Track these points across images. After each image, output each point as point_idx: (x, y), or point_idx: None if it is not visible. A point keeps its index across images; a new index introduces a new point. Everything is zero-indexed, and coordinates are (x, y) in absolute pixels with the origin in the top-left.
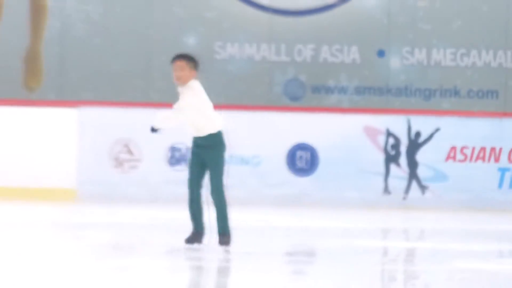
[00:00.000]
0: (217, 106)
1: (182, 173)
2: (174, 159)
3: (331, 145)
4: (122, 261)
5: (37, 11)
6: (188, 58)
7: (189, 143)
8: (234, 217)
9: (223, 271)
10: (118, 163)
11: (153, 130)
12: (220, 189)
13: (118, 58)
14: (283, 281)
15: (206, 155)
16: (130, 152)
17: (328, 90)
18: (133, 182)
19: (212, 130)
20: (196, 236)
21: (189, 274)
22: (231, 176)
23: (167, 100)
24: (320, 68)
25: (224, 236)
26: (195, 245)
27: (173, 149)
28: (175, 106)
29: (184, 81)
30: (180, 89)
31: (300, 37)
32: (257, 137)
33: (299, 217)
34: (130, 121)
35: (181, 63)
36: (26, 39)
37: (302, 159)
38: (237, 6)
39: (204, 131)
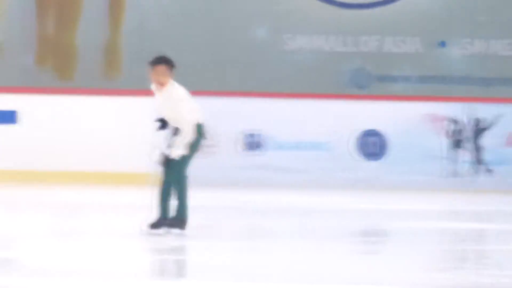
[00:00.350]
0: (289, 95)
1: (257, 158)
2: (249, 144)
3: (398, 131)
4: (203, 241)
5: (116, 5)
6: (167, 62)
7: (263, 130)
8: (308, 199)
9: (297, 251)
10: None
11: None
12: (179, 172)
13: (192, 50)
14: (356, 261)
15: None
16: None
17: (392, 79)
18: (211, 167)
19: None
20: (161, 221)
21: (261, 254)
22: (305, 160)
23: (240, 88)
24: (384, 58)
25: (181, 220)
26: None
27: (248, 135)
28: (183, 122)
29: (164, 86)
30: (159, 91)
31: (366, 29)
32: (327, 124)
33: (370, 199)
34: (206, 109)
35: (161, 68)
36: (106, 31)
37: (370, 144)
38: None
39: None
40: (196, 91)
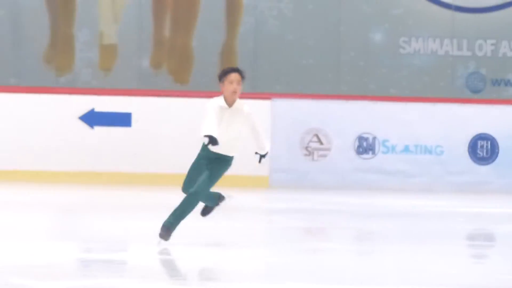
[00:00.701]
0: (402, 99)
1: (369, 161)
2: (361, 148)
3: (510, 135)
4: (312, 244)
5: (232, 8)
6: (242, 74)
7: (375, 133)
8: (418, 203)
9: (406, 254)
10: (309, 152)
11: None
12: (200, 193)
13: (308, 53)
14: (464, 264)
15: (213, 165)
16: (320, 141)
17: (508, 83)
18: (323, 170)
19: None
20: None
21: (373, 257)
22: (416, 164)
23: (355, 92)
24: (500, 62)
25: (166, 229)
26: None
27: (360, 138)
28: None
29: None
30: (231, 107)
31: (481, 33)
32: (440, 128)
33: (479, 203)
34: (320, 112)
35: (238, 77)
36: (222, 34)
37: (482, 148)
38: (422, 3)
39: (233, 152)
40: (311, 94)
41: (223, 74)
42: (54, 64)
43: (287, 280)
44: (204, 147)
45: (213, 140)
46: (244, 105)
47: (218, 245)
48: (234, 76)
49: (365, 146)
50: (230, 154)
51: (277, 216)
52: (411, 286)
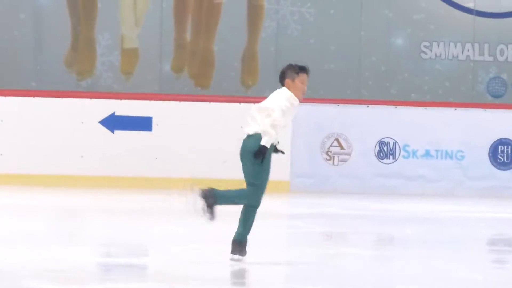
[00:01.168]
0: (423, 104)
1: (390, 166)
2: (382, 152)
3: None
4: (332, 249)
5: (254, 12)
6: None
7: (396, 138)
8: (439, 208)
9: (427, 259)
10: (329, 156)
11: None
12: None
13: (330, 57)
14: (484, 270)
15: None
16: (340, 146)
17: None
18: (343, 175)
19: None
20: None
21: (393, 262)
22: (437, 169)
23: (376, 97)
24: None
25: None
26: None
27: (381, 143)
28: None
29: None
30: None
31: (503, 38)
32: (461, 133)
33: (500, 208)
34: (341, 117)
35: (307, 78)
36: (244, 38)
37: (503, 153)
38: (443, 8)
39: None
40: (332, 99)
41: (297, 71)
42: (75, 68)
43: (308, 285)
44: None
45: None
46: None
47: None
48: (306, 77)
49: (385, 151)
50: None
51: (298, 221)
52: None
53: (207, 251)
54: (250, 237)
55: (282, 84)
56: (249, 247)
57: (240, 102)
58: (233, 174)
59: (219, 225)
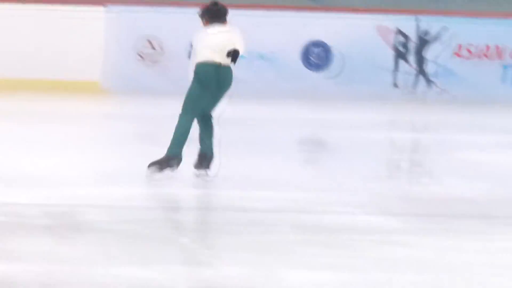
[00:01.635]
0: (236, 5)
1: None
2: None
3: (344, 43)
4: (144, 148)
5: None
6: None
7: None
8: (253, 109)
9: (238, 156)
10: (141, 57)
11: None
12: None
13: None
14: (294, 167)
15: None
16: (152, 47)
17: None
18: (156, 75)
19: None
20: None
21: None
22: (250, 70)
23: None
24: None
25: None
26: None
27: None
28: None
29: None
30: None
31: None
32: (273, 34)
33: (312, 109)
34: (154, 18)
35: None
36: None
37: (316, 55)
38: None
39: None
40: (145, 1)
41: None
42: None
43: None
44: None
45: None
46: None
47: (57, 149)
48: None
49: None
50: None
51: (112, 122)
52: (242, 190)
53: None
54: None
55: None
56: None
57: (55, 2)
58: (52, 73)
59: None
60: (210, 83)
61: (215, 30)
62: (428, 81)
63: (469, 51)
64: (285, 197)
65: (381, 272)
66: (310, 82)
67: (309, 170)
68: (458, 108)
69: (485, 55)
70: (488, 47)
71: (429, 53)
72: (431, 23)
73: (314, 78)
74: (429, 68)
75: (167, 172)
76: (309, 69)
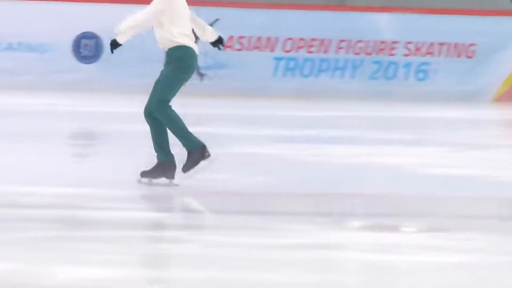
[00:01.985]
0: None
1: None
2: None
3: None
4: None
5: None
6: None
7: None
8: (24, 101)
9: (11, 152)
10: None
11: (115, 46)
12: (155, 105)
13: None
14: (64, 162)
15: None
16: None
17: None
18: None
19: (172, 44)
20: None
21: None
22: (21, 62)
23: None
24: None
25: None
26: None
27: None
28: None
29: None
30: None
31: None
32: (45, 25)
33: (83, 102)
34: None
35: None
36: None
37: (87, 47)
38: None
39: (163, 45)
40: None
41: None
42: None
43: None
44: None
45: None
46: None
47: None
48: None
49: None
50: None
51: None
52: (25, 186)
53: None
54: None
55: None
56: None
57: None
58: None
59: None
60: None
61: None
62: (199, 74)
63: (240, 43)
64: (57, 193)
65: (154, 268)
66: (82, 74)
67: (80, 164)
68: (229, 101)
69: (257, 47)
70: (259, 39)
71: (200, 45)
72: (203, 15)
73: (86, 70)
74: (200, 61)
75: (209, 162)
76: (80, 61)
